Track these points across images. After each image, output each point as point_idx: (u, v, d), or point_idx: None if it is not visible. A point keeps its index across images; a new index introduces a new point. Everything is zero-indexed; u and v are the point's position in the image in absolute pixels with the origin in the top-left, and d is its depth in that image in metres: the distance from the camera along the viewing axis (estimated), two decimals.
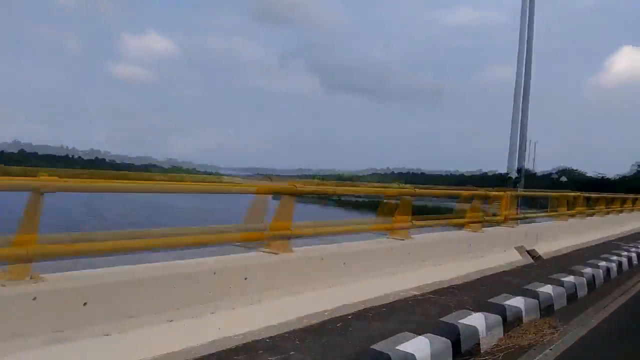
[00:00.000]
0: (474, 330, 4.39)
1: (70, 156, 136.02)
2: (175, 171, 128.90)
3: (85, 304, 3.19)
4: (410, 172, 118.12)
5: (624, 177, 67.46)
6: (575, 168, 78.68)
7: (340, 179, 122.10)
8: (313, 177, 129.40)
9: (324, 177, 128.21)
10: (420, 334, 3.97)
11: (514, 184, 18.61)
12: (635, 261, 10.51)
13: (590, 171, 75.70)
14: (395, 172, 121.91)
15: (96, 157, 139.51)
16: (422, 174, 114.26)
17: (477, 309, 5.02)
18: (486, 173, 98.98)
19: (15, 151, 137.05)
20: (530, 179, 77.06)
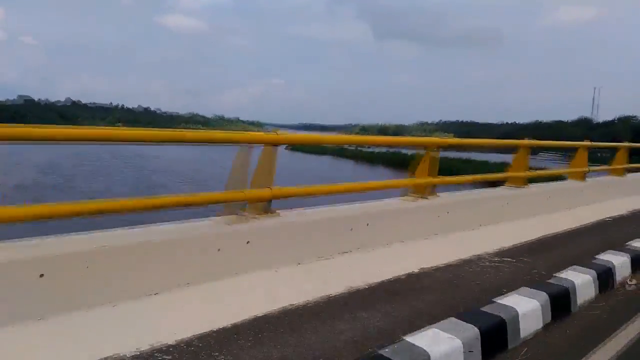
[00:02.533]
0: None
1: (120, 106, 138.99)
2: (218, 123, 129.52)
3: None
4: (462, 122, 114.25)
5: None
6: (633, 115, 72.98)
7: (384, 131, 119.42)
8: (359, 129, 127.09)
9: (365, 129, 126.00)
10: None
11: None
12: None
13: None
14: (448, 123, 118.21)
15: (140, 106, 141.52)
16: (475, 123, 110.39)
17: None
18: (540, 121, 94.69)
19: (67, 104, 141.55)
20: (589, 128, 72.60)
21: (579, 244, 5.54)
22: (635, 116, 68.46)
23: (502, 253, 4.92)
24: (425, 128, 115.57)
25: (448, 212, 5.17)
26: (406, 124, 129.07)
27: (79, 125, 2.74)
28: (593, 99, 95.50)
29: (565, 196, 7.38)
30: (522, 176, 6.65)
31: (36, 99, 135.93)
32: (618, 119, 74.74)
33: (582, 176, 8.14)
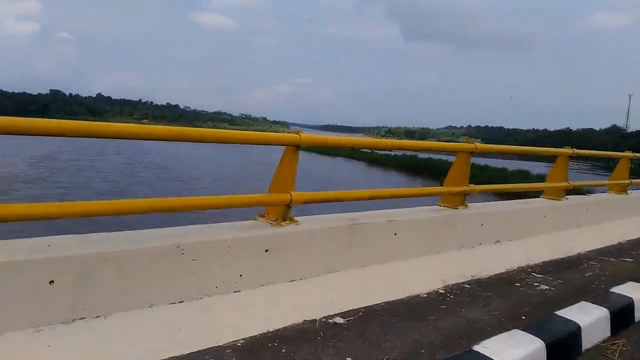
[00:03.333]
0: None
1: (149, 102, 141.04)
2: (243, 122, 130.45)
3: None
4: (489, 127, 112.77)
5: None
6: None
7: (410, 134, 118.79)
8: (385, 131, 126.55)
9: (391, 132, 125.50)
10: None
11: None
12: None
13: None
14: (476, 128, 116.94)
15: (168, 103, 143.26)
16: (502, 129, 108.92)
17: None
18: (570, 129, 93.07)
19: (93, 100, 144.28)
20: (620, 137, 70.73)
21: (633, 257, 5.39)
22: None
23: (546, 265, 4.83)
24: (453, 132, 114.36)
25: (482, 224, 4.83)
26: (433, 127, 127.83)
27: (88, 121, 2.58)
28: (628, 107, 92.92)
29: (606, 210, 7.00)
30: (561, 187, 6.25)
31: (67, 94, 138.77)
32: None
33: (624, 189, 7.65)
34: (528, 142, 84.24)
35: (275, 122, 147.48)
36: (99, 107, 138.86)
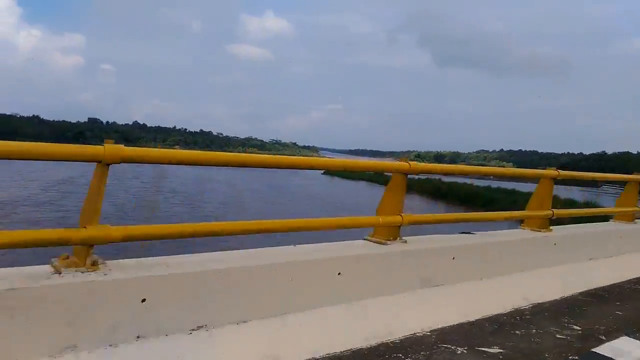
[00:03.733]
0: None
1: (183, 129, 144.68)
2: (273, 147, 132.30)
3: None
4: (523, 151, 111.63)
5: None
6: None
7: (440, 158, 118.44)
8: (414, 155, 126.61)
9: (420, 156, 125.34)
10: None
11: None
12: None
13: None
14: (509, 152, 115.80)
15: (201, 130, 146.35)
16: (536, 152, 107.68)
17: None
18: (605, 152, 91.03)
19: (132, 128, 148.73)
20: None
21: None
22: None
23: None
24: (484, 156, 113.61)
25: (555, 244, 5.12)
26: (464, 151, 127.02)
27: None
28: None
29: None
30: (544, 215, 5.28)
31: (104, 121, 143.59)
32: None
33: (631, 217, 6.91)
34: (562, 166, 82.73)
35: (305, 147, 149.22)
36: (133, 134, 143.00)
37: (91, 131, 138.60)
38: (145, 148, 2.64)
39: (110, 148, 2.36)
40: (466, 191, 40.85)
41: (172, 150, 2.63)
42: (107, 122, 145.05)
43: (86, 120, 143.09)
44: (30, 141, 2.15)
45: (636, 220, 6.59)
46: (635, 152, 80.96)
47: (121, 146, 2.39)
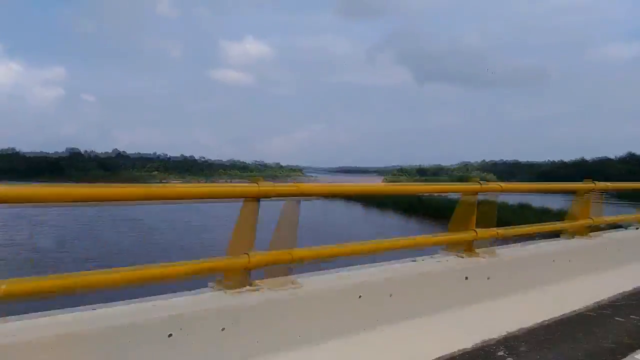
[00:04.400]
0: None
1: (164, 155, 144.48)
2: (257, 169, 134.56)
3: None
4: (504, 162, 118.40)
5: None
6: None
7: (423, 172, 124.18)
8: (397, 170, 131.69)
9: (403, 170, 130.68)
10: None
11: None
12: None
13: None
14: (490, 163, 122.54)
15: (182, 155, 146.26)
16: (517, 163, 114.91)
17: None
18: (584, 158, 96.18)
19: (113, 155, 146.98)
20: (638, 165, 75.41)
21: None
22: None
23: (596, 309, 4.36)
24: (467, 168, 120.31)
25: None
26: (445, 164, 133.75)
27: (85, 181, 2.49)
28: None
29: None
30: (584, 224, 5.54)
31: (83, 151, 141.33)
32: None
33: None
34: (544, 175, 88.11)
35: (288, 167, 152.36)
36: (112, 163, 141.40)
37: (69, 161, 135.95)
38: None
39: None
40: (435, 206, 39.27)
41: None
42: (86, 151, 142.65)
43: (64, 150, 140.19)
44: (2, 175, 2.81)
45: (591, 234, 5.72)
46: (614, 157, 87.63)
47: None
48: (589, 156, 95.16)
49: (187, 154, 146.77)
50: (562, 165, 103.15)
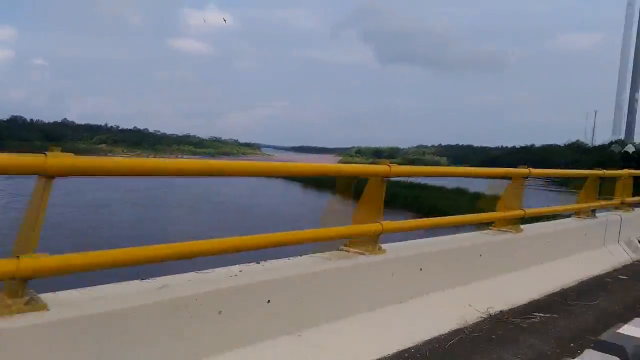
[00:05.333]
0: None
1: (112, 126, 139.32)
2: (212, 145, 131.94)
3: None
4: (459, 146, 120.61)
5: None
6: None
7: (379, 153, 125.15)
8: (355, 151, 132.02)
9: (360, 152, 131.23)
10: None
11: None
12: None
13: None
14: (446, 147, 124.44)
15: (135, 127, 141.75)
16: (471, 147, 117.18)
17: None
18: (534, 145, 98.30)
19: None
20: (581, 152, 78.17)
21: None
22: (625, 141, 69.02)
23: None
24: (423, 151, 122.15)
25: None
26: (403, 146, 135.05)
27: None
28: (594, 123, 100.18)
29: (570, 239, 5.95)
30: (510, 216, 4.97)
31: (28, 119, 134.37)
32: (611, 142, 78.10)
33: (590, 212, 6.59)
34: (492, 159, 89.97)
35: (247, 144, 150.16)
36: (56, 132, 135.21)
37: (10, 130, 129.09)
38: (410, 167, 2.51)
39: (395, 169, 3.21)
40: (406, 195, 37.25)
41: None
42: (31, 119, 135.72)
43: (7, 118, 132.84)
44: None
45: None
46: (562, 144, 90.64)
47: (400, 166, 3.39)
48: (538, 142, 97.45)
49: (142, 127, 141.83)
50: (512, 150, 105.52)
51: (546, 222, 6.10)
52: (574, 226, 6.21)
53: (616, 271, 5.98)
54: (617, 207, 7.18)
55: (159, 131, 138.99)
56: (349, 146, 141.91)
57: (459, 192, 36.19)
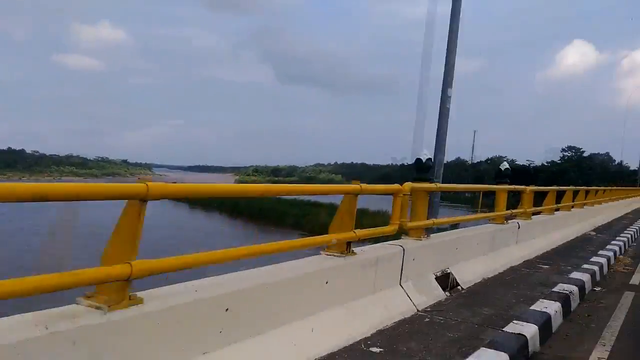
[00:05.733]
0: None
1: None
2: (98, 166, 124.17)
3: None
4: (354, 164, 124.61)
5: (546, 165, 69.29)
6: (503, 155, 75.10)
7: (277, 171, 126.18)
8: (252, 170, 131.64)
9: (258, 170, 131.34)
10: None
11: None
12: None
13: (523, 159, 74.55)
14: (342, 165, 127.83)
15: (9, 147, 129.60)
16: (365, 165, 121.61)
17: None
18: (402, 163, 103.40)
19: None
20: (464, 169, 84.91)
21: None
22: (506, 157, 70.09)
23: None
24: (320, 169, 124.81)
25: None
26: (301, 165, 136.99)
27: None
28: (473, 141, 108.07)
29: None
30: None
31: None
32: (487, 160, 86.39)
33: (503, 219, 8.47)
34: (383, 176, 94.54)
35: (136, 165, 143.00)
36: None
37: None
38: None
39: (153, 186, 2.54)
40: (260, 207, 39.28)
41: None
42: None
43: None
44: None
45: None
46: (447, 161, 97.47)
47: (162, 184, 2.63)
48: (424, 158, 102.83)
49: (19, 147, 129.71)
50: (402, 167, 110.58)
51: None
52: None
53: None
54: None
55: (37, 152, 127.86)
56: (247, 165, 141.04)
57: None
